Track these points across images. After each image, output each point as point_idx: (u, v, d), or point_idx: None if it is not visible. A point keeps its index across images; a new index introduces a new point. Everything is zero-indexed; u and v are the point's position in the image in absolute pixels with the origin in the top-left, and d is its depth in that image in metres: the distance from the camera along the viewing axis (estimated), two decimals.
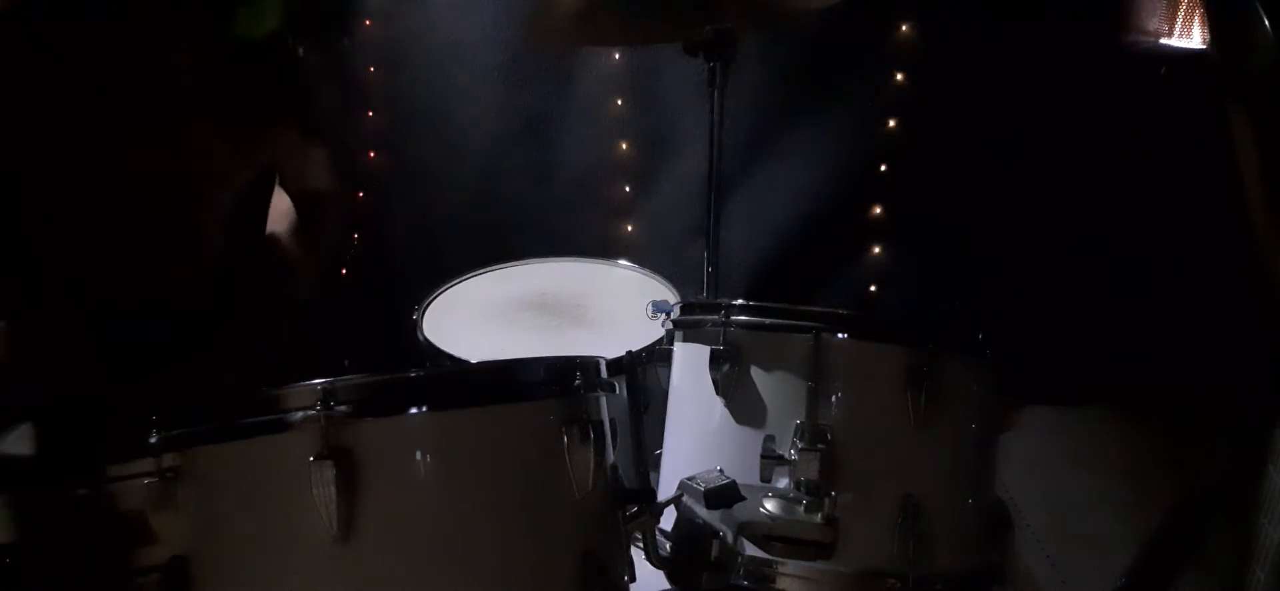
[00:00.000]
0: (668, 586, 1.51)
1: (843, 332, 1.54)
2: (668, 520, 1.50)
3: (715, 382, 1.59)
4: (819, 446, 1.49)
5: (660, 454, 1.77)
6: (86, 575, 1.32)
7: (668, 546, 1.51)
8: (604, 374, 1.31)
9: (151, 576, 1.19)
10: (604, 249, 2.78)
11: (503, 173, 3.20)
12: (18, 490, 1.35)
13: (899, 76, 3.16)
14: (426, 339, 2.09)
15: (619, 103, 3.26)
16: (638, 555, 1.37)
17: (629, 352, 1.91)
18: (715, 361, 1.58)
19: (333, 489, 1.07)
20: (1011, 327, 1.64)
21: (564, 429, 1.18)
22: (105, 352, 1.71)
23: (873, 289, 3.28)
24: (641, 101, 3.23)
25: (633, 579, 1.32)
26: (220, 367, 1.80)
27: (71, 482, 1.33)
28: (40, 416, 1.52)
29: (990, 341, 1.61)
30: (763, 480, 1.52)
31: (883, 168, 3.21)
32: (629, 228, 3.32)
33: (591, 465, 1.18)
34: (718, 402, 1.61)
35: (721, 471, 1.51)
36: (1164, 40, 3.15)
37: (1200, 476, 2.44)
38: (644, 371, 1.91)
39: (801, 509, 1.48)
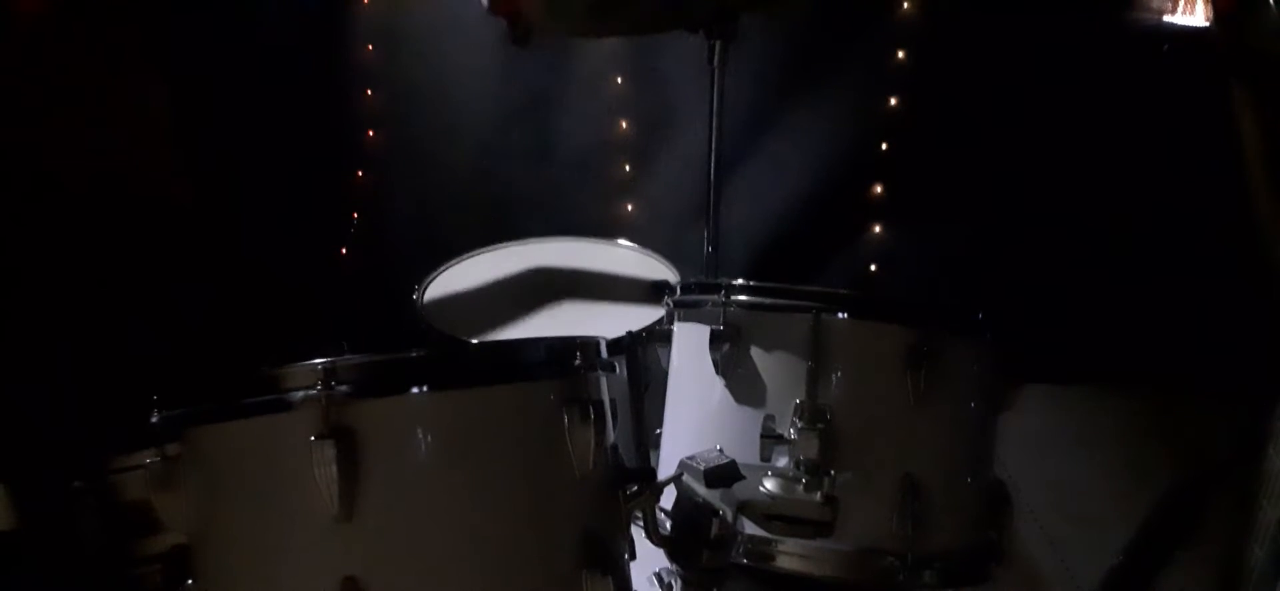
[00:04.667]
0: (668, 565, 1.52)
1: (843, 312, 1.54)
2: (668, 499, 1.51)
3: (715, 362, 1.59)
4: (819, 426, 1.50)
5: (660, 433, 1.77)
6: (87, 561, 1.33)
7: (668, 525, 1.51)
8: (604, 353, 1.31)
9: (154, 566, 1.19)
10: (604, 228, 2.78)
11: (502, 151, 3.19)
12: (19, 477, 1.35)
13: (900, 54, 3.15)
14: (426, 318, 2.09)
15: (619, 81, 3.24)
16: (638, 533, 1.37)
17: (629, 332, 1.91)
18: (715, 341, 1.58)
19: (334, 468, 1.07)
20: (1011, 307, 1.64)
21: (564, 408, 1.18)
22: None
23: (873, 268, 3.27)
24: (642, 80, 3.21)
25: (633, 557, 1.32)
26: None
27: (72, 470, 1.33)
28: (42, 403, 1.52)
29: (990, 321, 1.61)
30: (762, 459, 1.52)
31: (884, 146, 3.20)
32: (629, 207, 3.31)
33: (592, 444, 1.19)
34: (718, 382, 1.61)
35: (721, 450, 1.51)
36: (1167, 17, 3.13)
37: (1199, 456, 2.45)
38: (644, 351, 1.91)
39: (801, 488, 1.48)
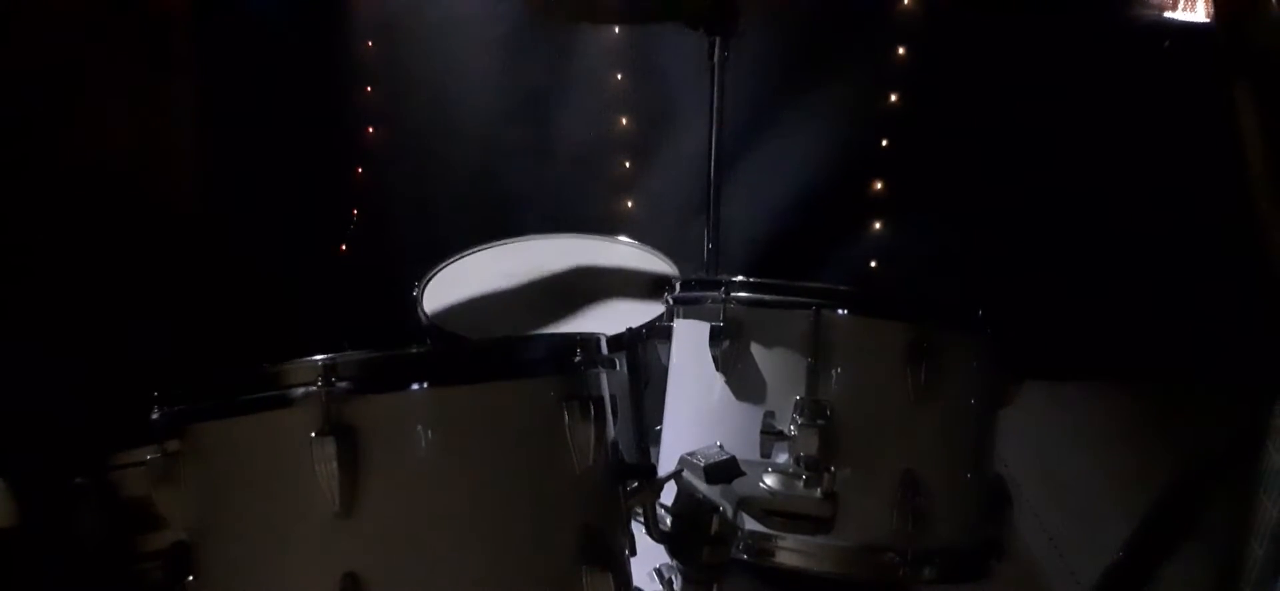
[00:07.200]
0: (668, 561, 1.52)
1: (843, 308, 1.54)
2: (668, 495, 1.51)
3: (715, 359, 1.59)
4: (819, 422, 1.50)
5: (660, 429, 1.78)
6: (88, 557, 1.33)
7: (668, 521, 1.51)
8: (604, 350, 1.31)
9: (154, 562, 1.19)
10: (604, 224, 2.78)
11: (502, 148, 3.19)
12: (20, 473, 1.35)
13: (901, 50, 3.15)
14: (427, 315, 2.09)
15: (619, 77, 3.24)
16: (638, 529, 1.38)
17: (629, 329, 1.91)
18: (715, 337, 1.58)
19: (335, 464, 1.08)
20: (1011, 303, 1.64)
21: (565, 405, 1.18)
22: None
23: (873, 264, 3.27)
24: (642, 76, 3.21)
25: (633, 552, 1.32)
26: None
27: (73, 466, 1.34)
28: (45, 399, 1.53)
29: (990, 317, 1.61)
30: (763, 455, 1.53)
31: (884, 142, 3.20)
32: (629, 203, 3.31)
33: (592, 441, 1.19)
34: (718, 378, 1.61)
35: (721, 447, 1.52)
36: (1168, 13, 3.13)
37: (1199, 451, 2.45)
38: (644, 347, 1.91)
39: (801, 484, 1.48)
